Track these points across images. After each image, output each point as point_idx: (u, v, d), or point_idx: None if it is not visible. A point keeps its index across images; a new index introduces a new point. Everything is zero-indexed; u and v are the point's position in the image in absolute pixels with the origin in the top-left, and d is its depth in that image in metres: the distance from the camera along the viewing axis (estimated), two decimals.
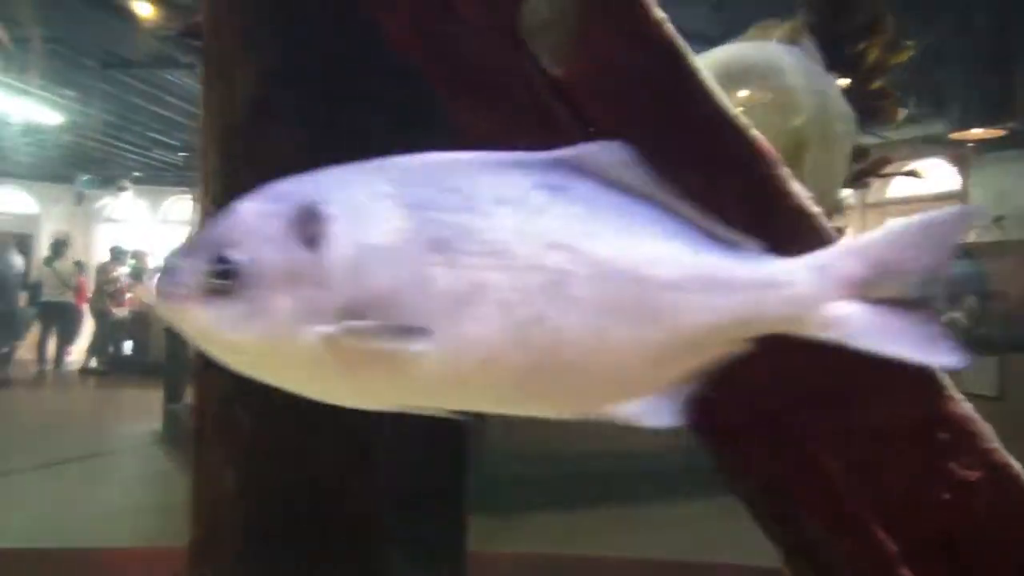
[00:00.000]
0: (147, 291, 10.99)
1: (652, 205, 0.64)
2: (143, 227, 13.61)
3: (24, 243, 11.86)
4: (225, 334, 0.60)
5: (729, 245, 0.64)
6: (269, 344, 0.60)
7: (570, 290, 0.61)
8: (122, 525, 4.14)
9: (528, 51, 0.77)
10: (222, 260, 0.59)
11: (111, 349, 10.53)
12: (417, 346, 0.59)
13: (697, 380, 0.64)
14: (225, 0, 1.02)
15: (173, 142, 10.81)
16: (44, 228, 12.68)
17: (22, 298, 10.11)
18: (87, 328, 10.53)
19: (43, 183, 12.62)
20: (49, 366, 10.18)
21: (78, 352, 10.58)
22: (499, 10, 0.78)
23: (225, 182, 1.04)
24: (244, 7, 1.01)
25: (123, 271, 10.95)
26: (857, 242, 0.66)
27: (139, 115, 9.22)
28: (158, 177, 12.96)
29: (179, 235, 13.31)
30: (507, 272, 0.60)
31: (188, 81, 7.60)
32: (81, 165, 11.56)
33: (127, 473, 5.82)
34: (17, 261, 10.42)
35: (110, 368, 10.20)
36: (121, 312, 10.55)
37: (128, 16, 5.91)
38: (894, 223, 0.68)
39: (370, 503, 1.08)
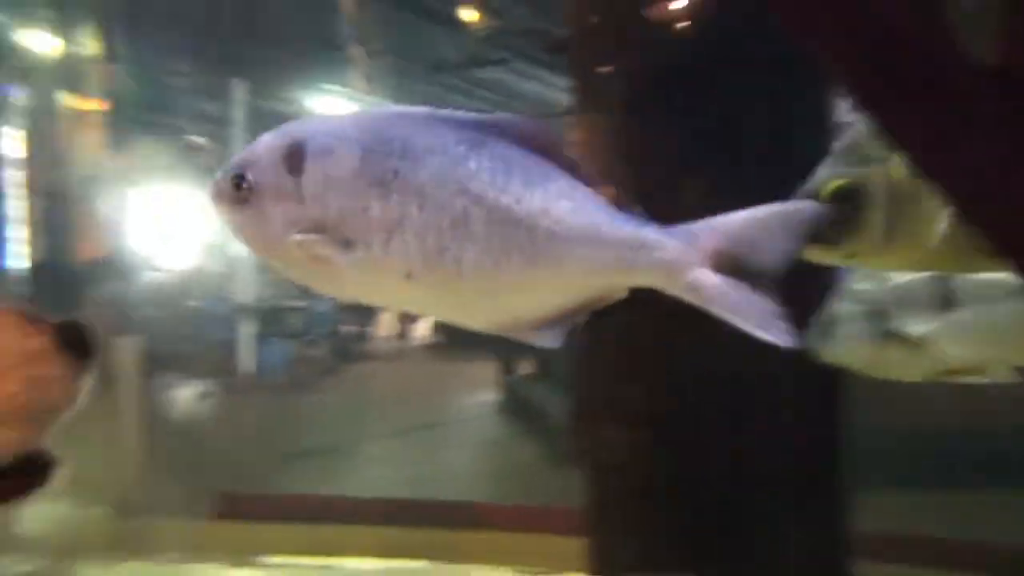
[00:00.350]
0: None
1: (557, 170, 0.77)
2: None
3: None
4: (243, 232, 0.82)
5: (617, 211, 0.77)
6: (268, 242, 0.82)
7: (471, 228, 0.76)
8: (478, 484, 4.56)
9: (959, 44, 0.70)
10: (239, 177, 0.80)
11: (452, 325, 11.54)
12: (351, 257, 0.78)
13: (581, 314, 0.79)
14: (604, 8, 1.06)
15: None
16: None
17: None
18: None
19: None
20: (400, 342, 11.43)
21: (424, 328, 11.76)
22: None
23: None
24: (612, 17, 1.04)
25: None
26: (722, 220, 0.76)
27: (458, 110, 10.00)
28: None
29: None
30: (423, 209, 0.77)
31: (498, 75, 8.09)
32: None
33: (474, 439, 6.36)
34: None
35: (451, 342, 11.21)
36: None
37: (451, 23, 6.42)
38: (759, 209, 0.77)
39: (758, 477, 1.10)
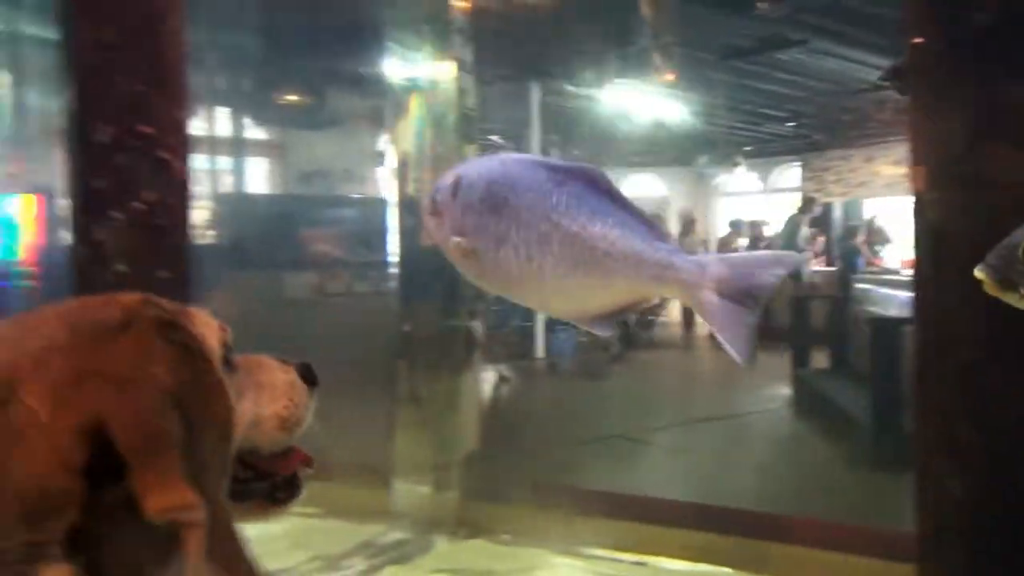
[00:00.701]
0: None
1: (614, 206, 1.05)
2: (755, 198, 14.27)
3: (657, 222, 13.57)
4: (435, 235, 1.13)
5: (654, 240, 1.03)
6: (443, 243, 1.12)
7: (550, 245, 1.04)
8: (772, 484, 4.45)
9: None
10: (432, 198, 1.13)
11: None
12: (479, 259, 1.08)
13: (627, 311, 1.07)
14: (942, 38, 1.03)
15: (781, 114, 11.08)
16: (672, 208, 14.26)
17: None
18: None
19: (670, 168, 14.20)
20: (687, 331, 11.39)
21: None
22: None
23: (937, 207, 1.06)
24: (960, 46, 1.01)
25: (741, 242, 11.65)
26: (727, 255, 1.06)
27: (750, 95, 9.70)
28: (766, 149, 13.44)
29: (786, 203, 13.65)
30: (520, 229, 1.05)
31: (798, 57, 7.74)
32: (700, 147, 12.63)
33: (765, 434, 6.18)
34: None
35: None
36: None
37: (744, 8, 6.26)
38: (758, 253, 1.18)
39: None
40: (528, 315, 8.71)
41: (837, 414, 5.68)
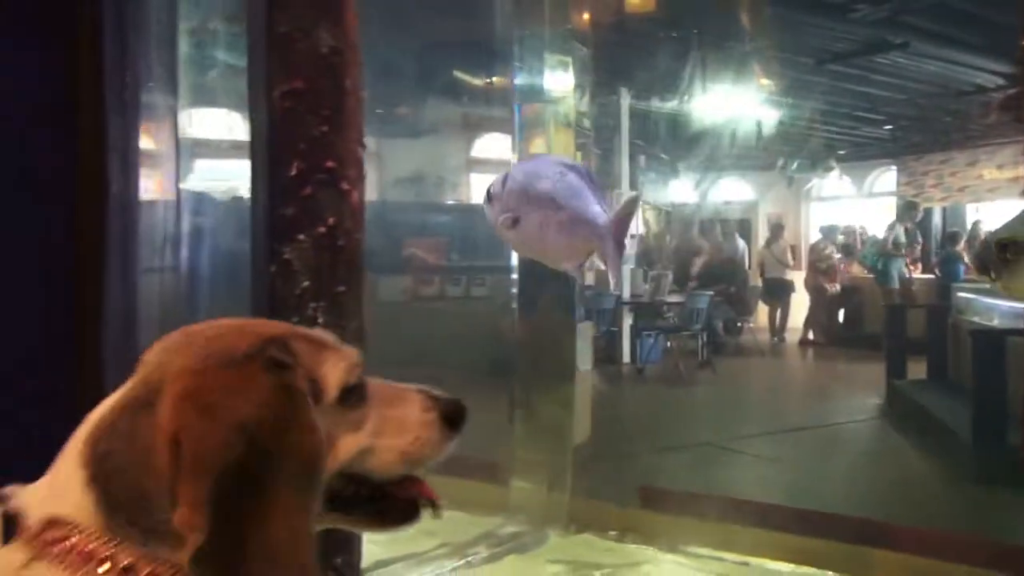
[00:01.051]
0: (859, 266, 11.28)
1: (590, 188, 1.50)
2: (850, 203, 13.94)
3: (744, 228, 13.39)
4: (489, 218, 1.58)
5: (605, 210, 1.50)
6: (495, 224, 1.57)
7: (553, 217, 1.49)
8: (864, 497, 4.41)
9: None
10: (488, 192, 1.59)
11: (826, 322, 11.11)
12: (514, 231, 1.53)
13: (588, 256, 1.53)
14: None
15: (878, 117, 10.83)
16: (760, 212, 14.05)
17: (749, 277, 11.44)
18: (804, 303, 11.30)
19: (758, 172, 14.00)
20: (774, 338, 11.25)
21: (796, 325, 11.44)
22: None
23: None
24: None
25: (834, 248, 11.42)
26: (618, 215, 1.50)
27: (846, 98, 9.53)
28: (862, 152, 13.11)
29: (885, 208, 13.26)
30: (535, 206, 1.50)
31: (898, 59, 7.58)
32: (791, 151, 12.43)
33: (857, 445, 6.06)
34: (741, 244, 11.86)
35: (826, 341, 10.76)
36: (834, 287, 11.03)
37: (840, 13, 6.20)
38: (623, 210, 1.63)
39: None
40: (615, 320, 8.79)
41: (936, 426, 5.57)
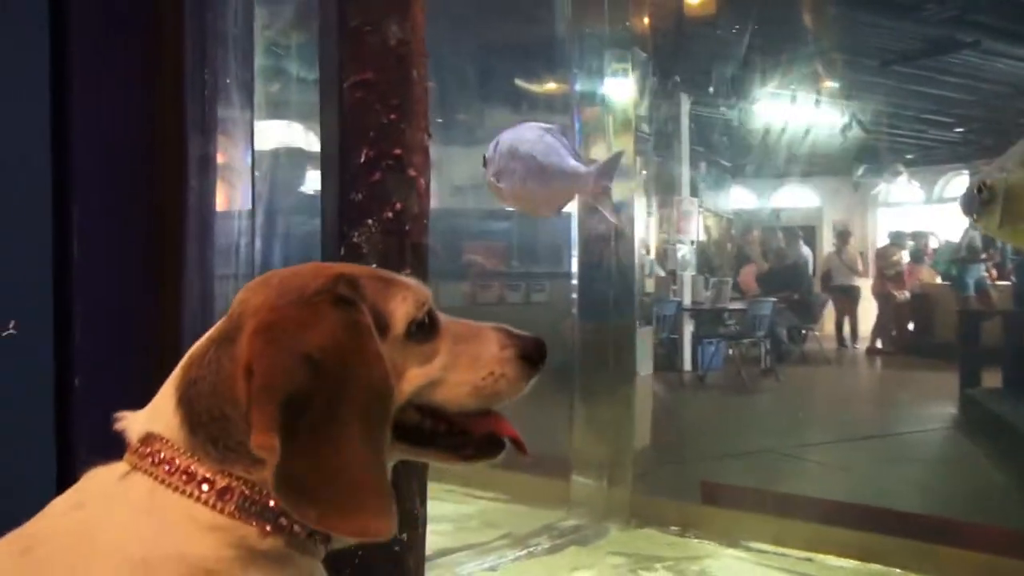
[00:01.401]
0: (928, 272, 10.96)
1: (566, 149, 2.00)
2: (919, 209, 13.57)
3: (809, 234, 13.14)
4: (487, 179, 2.11)
5: (585, 165, 2.06)
6: (489, 184, 2.09)
7: (537, 172, 1.96)
8: (936, 508, 4.29)
9: None
10: (484, 156, 2.14)
11: (895, 330, 10.83)
12: (504, 187, 2.05)
13: (566, 203, 2.18)
14: None
15: (948, 120, 10.54)
16: (826, 219, 13.77)
17: (814, 284, 11.21)
18: (872, 310, 11.03)
19: (823, 177, 13.74)
20: (843, 346, 11.00)
21: (865, 333, 11.18)
22: None
23: None
24: None
25: (903, 254, 11.13)
26: (603, 163, 2.09)
27: (914, 100, 9.31)
28: (931, 157, 12.77)
29: (956, 213, 12.80)
30: (519, 162, 2.00)
31: (969, 59, 7.39)
32: (858, 156, 12.18)
33: (928, 454, 5.88)
34: (806, 251, 11.63)
35: (895, 349, 10.49)
36: (903, 294, 10.74)
37: (906, 12, 6.08)
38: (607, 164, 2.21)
39: None
40: (676, 327, 8.72)
41: (1012, 435, 5.39)
